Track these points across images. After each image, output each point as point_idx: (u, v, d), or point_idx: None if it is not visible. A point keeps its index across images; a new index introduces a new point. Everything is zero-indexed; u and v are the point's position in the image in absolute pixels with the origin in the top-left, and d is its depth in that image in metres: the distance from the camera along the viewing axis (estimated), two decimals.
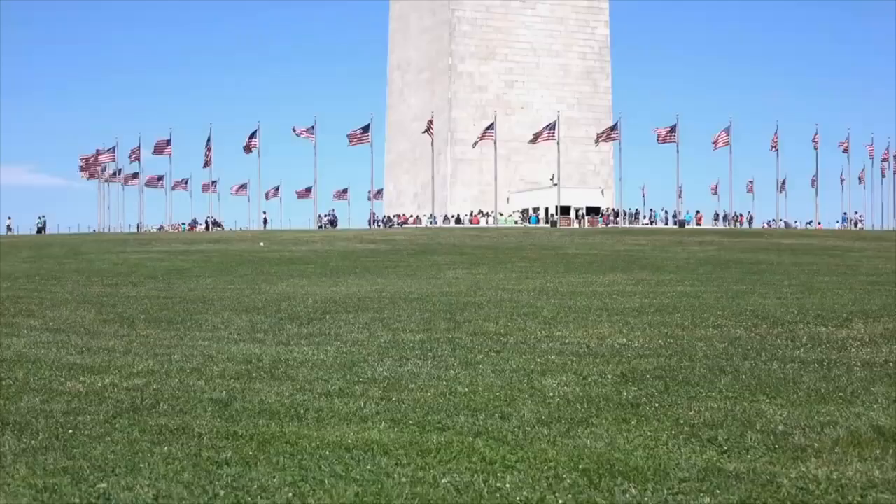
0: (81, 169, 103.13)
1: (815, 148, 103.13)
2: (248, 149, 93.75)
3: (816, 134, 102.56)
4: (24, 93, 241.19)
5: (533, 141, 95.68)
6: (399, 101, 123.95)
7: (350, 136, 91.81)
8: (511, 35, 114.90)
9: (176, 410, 9.87)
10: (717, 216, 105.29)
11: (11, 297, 23.96)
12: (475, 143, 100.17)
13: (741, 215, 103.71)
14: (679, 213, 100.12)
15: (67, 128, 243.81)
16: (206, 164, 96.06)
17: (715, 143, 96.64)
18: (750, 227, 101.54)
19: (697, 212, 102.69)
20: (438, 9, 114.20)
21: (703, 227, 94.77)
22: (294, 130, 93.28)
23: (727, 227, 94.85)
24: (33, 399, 10.54)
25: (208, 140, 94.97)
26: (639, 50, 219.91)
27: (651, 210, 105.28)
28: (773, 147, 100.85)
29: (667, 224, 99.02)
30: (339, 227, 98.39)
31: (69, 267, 39.36)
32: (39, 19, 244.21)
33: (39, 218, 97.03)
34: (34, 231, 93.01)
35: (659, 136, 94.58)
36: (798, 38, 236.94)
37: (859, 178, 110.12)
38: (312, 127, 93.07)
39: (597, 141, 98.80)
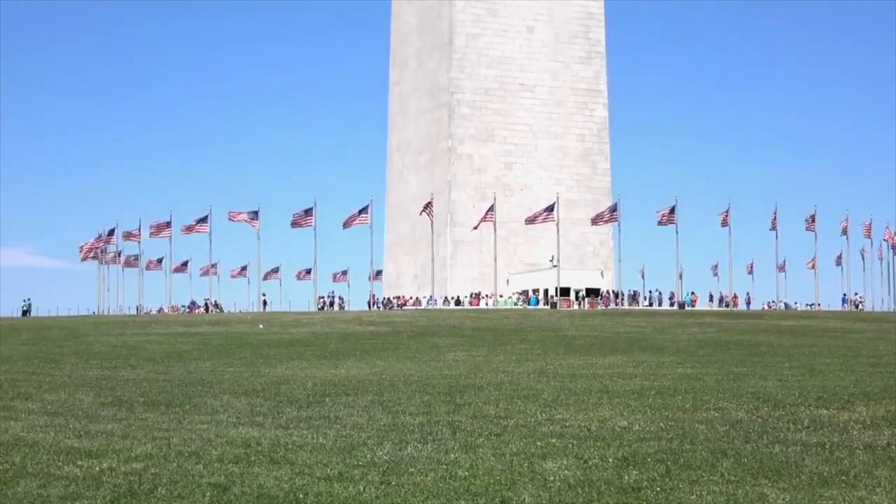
0: (81, 252, 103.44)
1: (814, 229, 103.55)
2: (242, 220, 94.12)
3: (815, 214, 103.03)
4: (25, 174, 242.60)
5: (530, 221, 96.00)
6: (399, 182, 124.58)
7: (346, 221, 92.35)
8: (510, 117, 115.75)
9: (174, 495, 9.80)
10: (711, 297, 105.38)
11: (10, 381, 23.88)
12: (476, 227, 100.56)
13: (736, 296, 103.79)
14: (674, 296, 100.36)
15: (67, 209, 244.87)
16: (189, 229, 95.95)
17: (724, 222, 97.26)
18: (747, 308, 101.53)
19: (692, 293, 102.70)
20: (438, 92, 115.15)
21: (702, 308, 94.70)
22: (293, 221, 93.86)
23: (723, 308, 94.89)
24: (30, 483, 10.46)
25: (205, 218, 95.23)
26: (637, 131, 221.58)
27: (650, 291, 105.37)
28: (771, 227, 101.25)
29: (662, 305, 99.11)
30: (338, 308, 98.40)
31: (68, 349, 39.27)
32: (39, 102, 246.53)
33: (25, 301, 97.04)
34: (19, 314, 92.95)
35: (661, 220, 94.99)
36: (797, 118, 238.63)
37: (861, 257, 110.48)
38: (311, 209, 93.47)
39: (596, 222, 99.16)
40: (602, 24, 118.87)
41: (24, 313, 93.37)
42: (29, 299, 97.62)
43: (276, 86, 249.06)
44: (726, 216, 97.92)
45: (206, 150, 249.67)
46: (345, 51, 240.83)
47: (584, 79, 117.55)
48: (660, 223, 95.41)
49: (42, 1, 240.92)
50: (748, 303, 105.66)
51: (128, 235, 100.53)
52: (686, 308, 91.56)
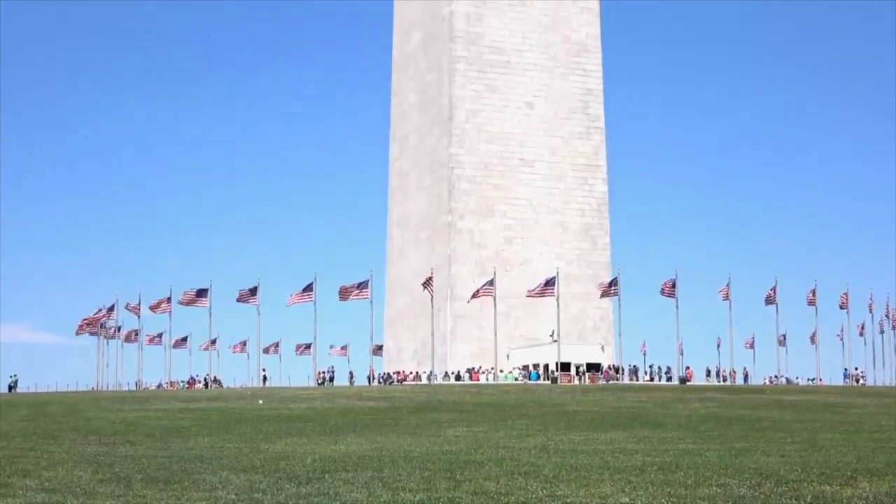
0: (80, 327, 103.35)
1: (814, 303, 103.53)
2: (243, 300, 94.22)
3: (815, 289, 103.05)
4: (23, 249, 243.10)
5: (530, 294, 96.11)
6: (399, 257, 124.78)
7: (344, 292, 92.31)
8: (510, 192, 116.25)
9: None
10: (708, 372, 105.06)
11: (7, 457, 23.75)
12: (472, 298, 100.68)
13: (734, 371, 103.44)
14: (670, 370, 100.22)
15: (66, 284, 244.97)
16: (188, 301, 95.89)
17: (725, 295, 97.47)
18: (745, 383, 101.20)
19: (687, 367, 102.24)
20: (438, 167, 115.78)
21: (703, 383, 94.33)
22: (290, 299, 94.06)
23: (720, 383, 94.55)
24: None
25: (205, 291, 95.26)
26: (637, 205, 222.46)
27: (650, 366, 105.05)
28: (770, 302, 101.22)
29: (659, 380, 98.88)
30: (349, 383, 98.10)
31: (66, 425, 39.08)
32: (35, 174, 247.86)
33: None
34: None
35: (664, 290, 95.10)
36: (796, 191, 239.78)
37: (859, 334, 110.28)
38: (311, 285, 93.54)
39: (603, 295, 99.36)
40: (601, 100, 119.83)
41: (10, 388, 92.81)
42: (15, 375, 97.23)
43: (277, 160, 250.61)
44: (727, 291, 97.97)
45: (206, 223, 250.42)
46: (345, 126, 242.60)
47: (583, 154, 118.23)
48: (662, 293, 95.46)
49: (38, 68, 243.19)
50: (746, 377, 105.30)
51: (128, 307, 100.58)
52: (687, 383, 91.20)
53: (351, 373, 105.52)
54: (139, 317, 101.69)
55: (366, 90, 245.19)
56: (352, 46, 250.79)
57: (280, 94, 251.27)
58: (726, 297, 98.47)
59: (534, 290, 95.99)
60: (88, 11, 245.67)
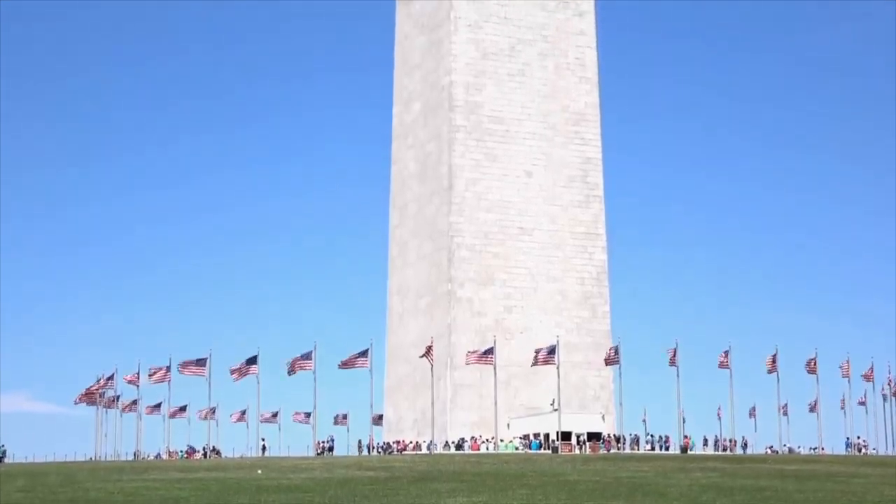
0: (80, 398, 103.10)
1: (815, 372, 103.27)
2: (240, 373, 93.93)
3: (815, 358, 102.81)
4: (23, 320, 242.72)
5: (534, 363, 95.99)
6: (399, 325, 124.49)
7: (344, 363, 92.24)
8: (510, 261, 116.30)
9: None
10: (706, 441, 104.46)
11: None
12: (468, 362, 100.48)
13: (734, 441, 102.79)
14: (668, 439, 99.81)
15: (66, 354, 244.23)
16: (186, 369, 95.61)
17: (721, 364, 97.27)
18: (744, 452, 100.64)
19: (685, 436, 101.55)
20: (437, 235, 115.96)
21: (704, 452, 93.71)
22: (288, 366, 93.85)
23: (720, 453, 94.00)
24: None
25: (204, 360, 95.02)
26: (637, 273, 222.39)
27: (651, 436, 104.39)
28: (771, 370, 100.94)
29: (659, 449, 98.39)
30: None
31: (63, 496, 38.78)
32: (34, 249, 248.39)
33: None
34: None
35: (670, 360, 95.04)
36: (796, 261, 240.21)
37: (861, 403, 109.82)
38: (310, 353, 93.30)
39: (608, 363, 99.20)
40: (600, 169, 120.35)
41: None
42: (3, 445, 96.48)
43: (276, 228, 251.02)
44: (726, 359, 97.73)
45: (205, 292, 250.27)
46: (345, 194, 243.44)
47: (582, 222, 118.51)
48: (670, 363, 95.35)
49: (37, 136, 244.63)
50: (745, 446, 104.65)
51: (127, 380, 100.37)
52: (688, 452, 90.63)
53: (360, 441, 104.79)
54: (138, 386, 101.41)
55: (366, 159, 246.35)
56: (352, 116, 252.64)
57: (280, 162, 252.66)
58: (726, 366, 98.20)
59: (536, 358, 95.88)
60: (81, 82, 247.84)
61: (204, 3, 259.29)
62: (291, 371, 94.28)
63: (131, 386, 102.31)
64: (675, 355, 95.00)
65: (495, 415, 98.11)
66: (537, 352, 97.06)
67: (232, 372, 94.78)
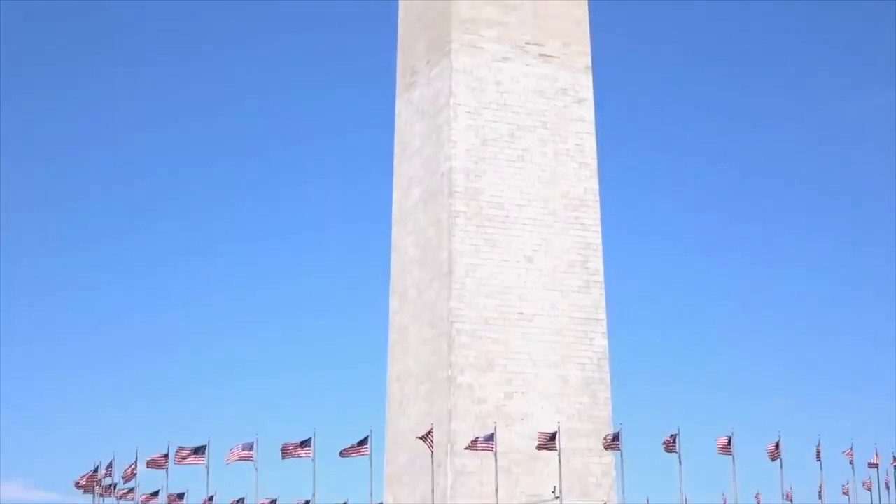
0: (77, 485, 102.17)
1: (819, 458, 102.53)
2: (236, 457, 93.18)
3: (819, 445, 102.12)
4: (19, 408, 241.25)
5: (538, 448, 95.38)
6: (399, 412, 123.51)
7: (344, 451, 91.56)
8: (510, 346, 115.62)
9: None
10: None
11: None
12: (467, 447, 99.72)
13: None
14: None
15: (63, 442, 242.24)
16: (183, 459, 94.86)
17: (721, 449, 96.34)
18: None
19: None
20: (438, 321, 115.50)
21: None
22: (286, 450, 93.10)
23: None
24: None
25: (203, 448, 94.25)
26: (638, 358, 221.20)
27: None
28: (774, 458, 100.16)
29: None
30: None
31: None
32: (31, 336, 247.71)
33: None
34: None
35: (666, 445, 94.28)
36: (798, 346, 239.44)
37: (866, 488, 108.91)
38: (309, 440, 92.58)
39: (609, 448, 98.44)
40: (600, 255, 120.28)
41: None
42: None
43: (275, 314, 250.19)
44: (728, 445, 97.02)
45: (203, 379, 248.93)
46: (345, 280, 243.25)
47: (583, 308, 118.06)
48: (667, 450, 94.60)
49: (34, 226, 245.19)
50: None
51: (125, 475, 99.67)
52: None
53: None
54: (136, 475, 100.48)
55: (366, 245, 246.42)
56: (352, 202, 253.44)
57: (281, 247, 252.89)
58: (728, 452, 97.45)
59: (539, 444, 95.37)
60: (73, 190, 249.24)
61: (200, 102, 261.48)
62: (285, 456, 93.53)
63: (130, 475, 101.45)
64: (674, 442, 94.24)
65: (496, 502, 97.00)
66: (540, 435, 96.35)
67: (228, 457, 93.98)
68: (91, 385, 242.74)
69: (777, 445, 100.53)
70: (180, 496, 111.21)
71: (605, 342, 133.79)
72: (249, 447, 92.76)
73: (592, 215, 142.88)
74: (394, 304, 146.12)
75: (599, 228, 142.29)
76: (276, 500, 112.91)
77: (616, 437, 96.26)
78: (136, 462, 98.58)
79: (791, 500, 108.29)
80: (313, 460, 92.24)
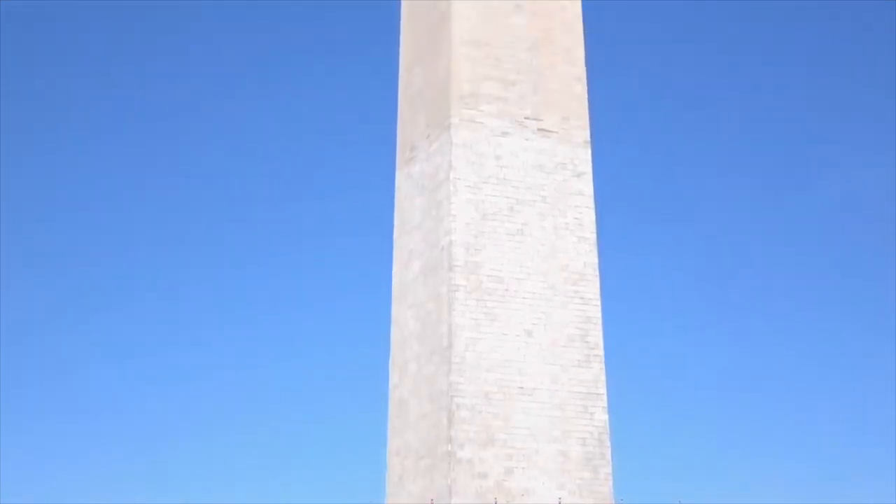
0: None
1: None
2: None
3: None
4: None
5: None
6: (398, 487, 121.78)
7: None
8: (510, 421, 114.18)
9: None
10: None
11: None
12: None
13: None
14: None
15: None
16: None
17: None
18: None
19: None
20: (437, 395, 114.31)
21: None
22: None
23: None
24: None
25: None
26: (639, 433, 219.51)
27: None
28: None
29: None
30: None
31: None
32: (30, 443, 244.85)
33: None
34: None
35: None
36: (801, 420, 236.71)
37: None
38: None
39: None
40: (599, 328, 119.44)
41: None
42: None
43: (275, 389, 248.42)
44: None
45: (202, 457, 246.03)
46: (344, 355, 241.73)
47: (583, 382, 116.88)
48: None
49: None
50: None
51: None
52: None
53: None
54: None
55: (365, 319, 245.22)
56: (352, 277, 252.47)
57: (280, 323, 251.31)
58: None
59: None
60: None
61: (196, 181, 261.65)
62: None
63: None
64: None
65: None
66: None
67: None
68: (90, 477, 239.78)
69: None
70: None
71: (605, 417, 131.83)
72: None
73: (592, 289, 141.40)
74: (393, 378, 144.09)
75: (599, 302, 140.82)
76: None
77: None
78: None
79: None
80: None
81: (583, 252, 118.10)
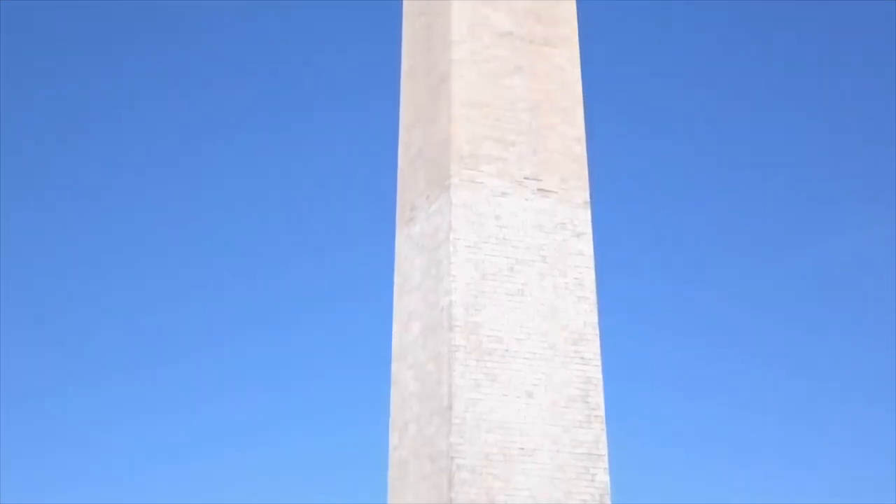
0: None
1: None
2: None
3: None
4: None
5: None
6: None
7: None
8: (511, 483, 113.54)
9: None
10: None
11: None
12: None
13: None
14: None
15: None
16: None
17: None
18: None
19: None
20: (437, 456, 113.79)
21: None
22: None
23: None
24: None
25: None
26: (639, 494, 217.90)
27: None
28: None
29: None
30: None
31: None
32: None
33: None
34: None
35: None
36: (805, 463, 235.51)
37: None
38: None
39: None
40: (600, 389, 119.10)
41: None
42: None
43: (275, 453, 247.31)
44: None
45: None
46: (345, 417, 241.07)
47: (584, 443, 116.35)
48: None
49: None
50: None
51: None
52: None
53: None
54: None
55: (365, 380, 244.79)
56: (352, 338, 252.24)
57: (280, 387, 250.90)
58: None
59: None
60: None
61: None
62: None
63: None
64: None
65: None
66: None
67: None
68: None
69: None
70: None
71: (606, 478, 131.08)
72: None
73: (592, 349, 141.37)
74: (394, 439, 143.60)
75: (599, 362, 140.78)
76: None
77: None
78: None
79: None
80: None
81: (583, 312, 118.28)
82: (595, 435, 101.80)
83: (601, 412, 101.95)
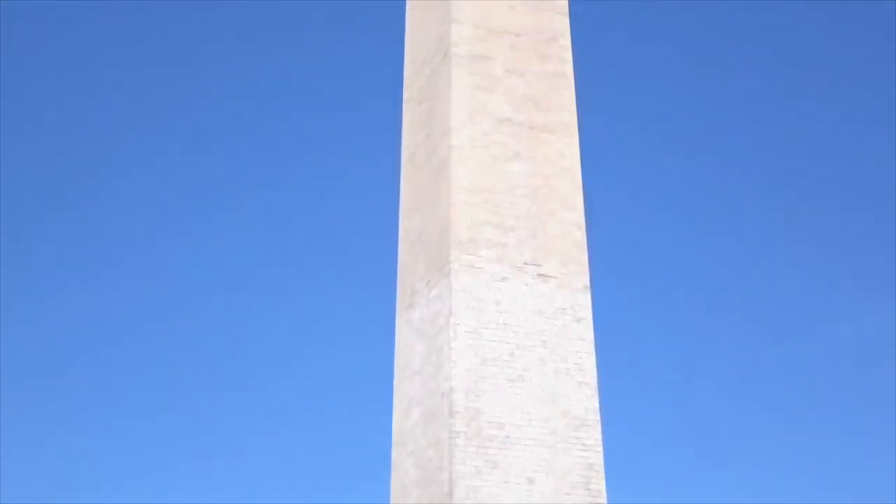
0: None
1: None
2: None
3: None
4: None
5: None
6: None
7: None
8: None
9: None
10: None
11: None
12: None
13: None
14: None
15: None
16: None
17: None
18: None
19: None
20: None
21: None
22: None
23: None
24: None
25: None
26: None
27: None
28: None
29: None
30: None
31: None
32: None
33: None
34: None
35: None
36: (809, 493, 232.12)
37: None
38: None
39: None
40: (602, 475, 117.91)
41: None
42: None
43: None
44: None
45: None
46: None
47: None
48: None
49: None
50: None
51: None
52: None
53: None
54: None
55: (366, 467, 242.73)
56: (353, 424, 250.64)
57: (280, 473, 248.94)
58: None
59: None
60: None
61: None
62: None
63: None
64: None
65: None
66: None
67: None
68: None
69: None
70: None
71: None
72: None
73: (594, 435, 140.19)
74: None
75: (601, 448, 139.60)
76: None
77: None
78: None
79: None
80: None
81: (584, 397, 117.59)
82: None
83: (603, 499, 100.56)
